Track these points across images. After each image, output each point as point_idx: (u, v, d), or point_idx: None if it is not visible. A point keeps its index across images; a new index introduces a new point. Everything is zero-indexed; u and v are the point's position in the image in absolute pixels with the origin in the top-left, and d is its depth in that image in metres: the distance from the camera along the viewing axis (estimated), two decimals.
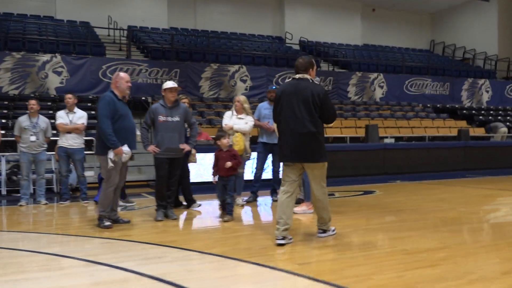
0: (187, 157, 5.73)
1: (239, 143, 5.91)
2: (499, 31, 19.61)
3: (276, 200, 6.45)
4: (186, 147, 5.17)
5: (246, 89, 13.92)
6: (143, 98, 12.34)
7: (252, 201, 6.46)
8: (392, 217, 5.31)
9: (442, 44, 22.19)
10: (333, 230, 4.25)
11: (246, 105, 6.07)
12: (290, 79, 4.18)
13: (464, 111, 16.26)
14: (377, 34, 21.76)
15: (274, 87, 6.49)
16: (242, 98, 6.12)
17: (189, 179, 6.02)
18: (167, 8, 17.91)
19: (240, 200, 6.27)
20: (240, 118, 6.08)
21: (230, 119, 6.10)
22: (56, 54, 11.97)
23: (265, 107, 6.40)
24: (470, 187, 8.33)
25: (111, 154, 4.49)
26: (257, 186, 6.52)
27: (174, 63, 13.39)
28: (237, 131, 5.95)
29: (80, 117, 6.58)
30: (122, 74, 4.77)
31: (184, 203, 6.02)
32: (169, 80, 12.87)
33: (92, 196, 6.72)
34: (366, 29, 21.57)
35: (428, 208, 5.86)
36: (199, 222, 5.34)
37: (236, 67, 14.05)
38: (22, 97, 11.07)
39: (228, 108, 12.95)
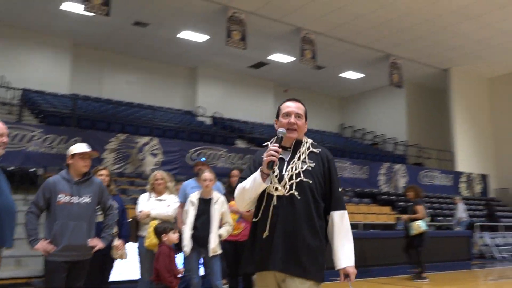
0: (109, 250, 4.13)
1: (151, 235, 4.39)
2: (408, 117, 20.46)
3: None
4: (97, 243, 3.50)
5: (157, 164, 12.47)
6: (32, 169, 10.34)
7: None
8: None
9: (351, 128, 22.85)
10: None
11: (170, 184, 4.75)
12: None
13: (383, 196, 15.89)
14: None
15: (203, 159, 5.31)
16: (164, 174, 4.80)
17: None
18: (71, 73, 16.44)
19: None
20: (160, 200, 4.70)
21: (146, 203, 4.68)
22: None
23: (192, 186, 5.09)
24: None
25: None
26: None
27: (74, 130, 11.64)
28: (155, 218, 4.52)
29: None
30: None
31: None
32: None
33: None
34: None
35: None
36: None
37: (147, 139, 12.66)
38: None
39: (135, 185, 11.41)
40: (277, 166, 2.26)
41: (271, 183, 2.27)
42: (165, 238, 3.60)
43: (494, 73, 19.67)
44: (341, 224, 2.25)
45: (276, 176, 2.29)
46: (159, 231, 3.60)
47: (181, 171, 11.85)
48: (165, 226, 3.66)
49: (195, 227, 4.22)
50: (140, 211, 4.59)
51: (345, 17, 14.51)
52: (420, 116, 20.69)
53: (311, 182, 2.27)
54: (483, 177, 19.18)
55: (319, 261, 2.24)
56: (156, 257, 3.56)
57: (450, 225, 14.36)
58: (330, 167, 2.37)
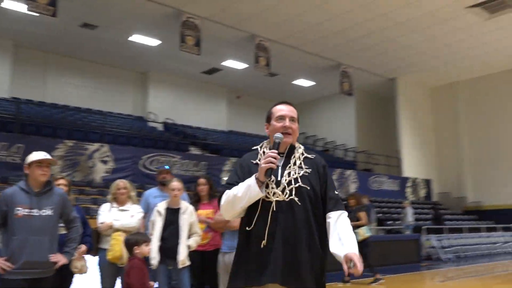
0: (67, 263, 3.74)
1: (114, 248, 4.13)
2: (357, 124, 21.03)
3: None
4: (60, 259, 3.26)
5: (107, 172, 11.97)
6: None
7: None
8: None
9: (303, 135, 23.14)
10: None
11: (133, 193, 4.51)
12: None
13: None
14: (242, 120, 21.87)
15: (167, 167, 5.10)
16: (127, 182, 4.55)
17: None
18: (11, 76, 15.55)
19: None
20: (122, 210, 4.45)
21: (108, 214, 4.40)
22: None
23: (155, 195, 4.88)
24: None
25: None
26: None
27: (17, 136, 10.93)
28: (118, 230, 4.27)
29: None
30: None
31: None
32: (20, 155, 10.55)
33: None
34: (232, 115, 21.56)
35: None
36: None
37: (97, 145, 12.13)
38: None
39: (85, 193, 10.88)
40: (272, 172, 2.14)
41: (267, 187, 2.15)
42: (137, 250, 3.37)
43: (436, 83, 20.72)
44: (338, 221, 2.15)
45: (273, 181, 2.17)
46: (131, 243, 3.37)
47: (134, 178, 11.44)
48: (137, 238, 3.42)
49: (162, 238, 4.02)
50: (102, 223, 4.32)
51: (299, 26, 14.73)
52: (369, 123, 21.35)
53: (309, 188, 2.18)
54: (427, 182, 20.08)
55: (319, 270, 2.15)
56: (127, 272, 3.33)
57: (399, 229, 14.85)
58: (325, 172, 2.30)
